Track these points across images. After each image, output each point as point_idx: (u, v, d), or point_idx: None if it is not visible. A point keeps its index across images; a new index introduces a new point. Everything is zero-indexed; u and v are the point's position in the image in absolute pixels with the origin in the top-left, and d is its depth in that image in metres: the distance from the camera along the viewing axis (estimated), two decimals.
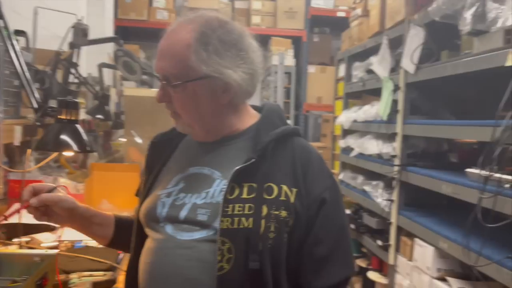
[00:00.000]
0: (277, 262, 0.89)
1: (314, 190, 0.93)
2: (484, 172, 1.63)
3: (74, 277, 1.29)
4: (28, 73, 1.33)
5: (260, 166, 0.92)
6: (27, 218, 1.44)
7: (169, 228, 0.93)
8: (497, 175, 1.59)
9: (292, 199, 0.91)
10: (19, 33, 2.10)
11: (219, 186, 0.93)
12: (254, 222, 0.87)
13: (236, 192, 0.91)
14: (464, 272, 2.01)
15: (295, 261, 0.92)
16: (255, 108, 1.05)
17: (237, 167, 0.91)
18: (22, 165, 1.96)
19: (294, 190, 0.92)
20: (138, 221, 1.01)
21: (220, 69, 0.91)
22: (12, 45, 1.35)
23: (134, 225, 1.03)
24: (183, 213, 0.93)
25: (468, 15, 1.79)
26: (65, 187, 1.07)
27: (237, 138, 0.99)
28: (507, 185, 1.56)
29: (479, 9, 1.74)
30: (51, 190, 0.99)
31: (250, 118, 1.01)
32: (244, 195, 0.90)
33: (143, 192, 1.03)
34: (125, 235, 1.09)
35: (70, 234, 1.57)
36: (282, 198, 0.90)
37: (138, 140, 3.25)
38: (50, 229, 1.64)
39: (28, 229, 1.54)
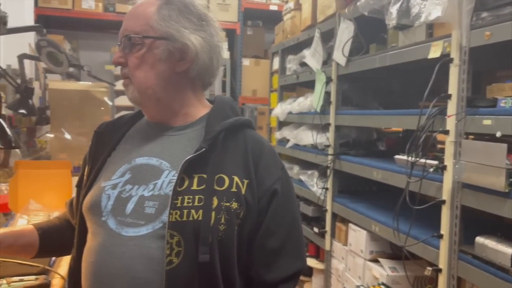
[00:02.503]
0: (227, 255, 0.87)
1: (266, 182, 0.93)
2: (410, 158, 1.75)
3: (2, 283, 1.19)
4: None
5: (210, 157, 0.90)
6: None
7: (112, 223, 0.89)
8: (422, 160, 1.71)
9: (243, 190, 0.90)
10: None
11: (167, 177, 0.90)
12: (204, 214, 0.85)
13: (186, 183, 0.88)
14: (394, 252, 2.14)
15: (247, 254, 0.91)
16: (209, 101, 1.04)
17: (187, 157, 0.89)
18: None
19: (246, 181, 0.91)
20: (80, 216, 0.95)
21: (178, 27, 0.93)
22: None
23: (76, 223, 0.97)
24: (129, 207, 0.89)
25: (394, 10, 1.89)
26: None
27: (188, 128, 0.97)
28: (431, 169, 1.68)
29: (404, 5, 1.84)
30: None
31: (203, 108, 1.00)
32: (194, 187, 0.88)
33: (86, 184, 0.97)
34: (51, 244, 1.05)
35: None
36: (233, 189, 0.89)
37: (67, 136, 3.07)
38: None
39: None
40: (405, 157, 1.80)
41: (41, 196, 1.67)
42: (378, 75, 2.50)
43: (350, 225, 2.36)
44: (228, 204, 0.88)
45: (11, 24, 2.27)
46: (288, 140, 3.25)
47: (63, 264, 1.31)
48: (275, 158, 0.99)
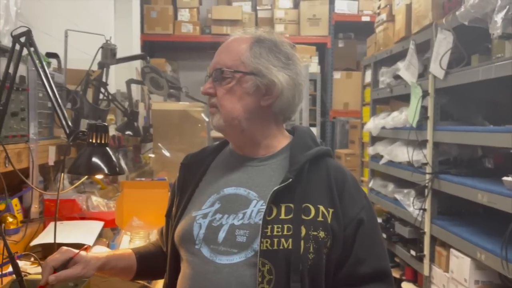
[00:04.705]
0: (316, 283, 0.89)
1: (351, 211, 0.95)
2: None
3: None
4: (58, 96, 1.36)
5: (296, 187, 0.93)
6: (61, 237, 1.48)
7: (205, 251, 0.94)
8: None
9: (329, 219, 0.92)
10: (52, 55, 2.17)
11: (256, 207, 0.94)
12: (294, 243, 0.88)
13: (274, 212, 0.92)
14: (504, 284, 1.93)
15: (333, 281, 0.93)
16: (287, 131, 1.08)
17: (276, 188, 0.92)
18: (56, 183, 2.01)
19: (331, 210, 0.93)
20: (172, 245, 1.01)
21: (267, 65, 0.97)
22: (43, 68, 1.39)
23: (168, 250, 1.03)
24: (221, 235, 0.94)
25: (499, 18, 1.73)
26: (86, 250, 1.04)
27: (272, 159, 1.01)
28: None
29: (510, 12, 1.68)
30: (67, 261, 0.97)
31: (284, 138, 1.04)
32: (282, 216, 0.91)
33: (176, 214, 1.03)
34: (147, 268, 1.12)
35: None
36: (320, 218, 0.91)
37: (166, 153, 3.30)
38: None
39: None
40: None
41: (143, 214, 1.81)
42: (482, 87, 2.30)
43: (452, 250, 2.18)
44: (315, 233, 0.90)
45: (121, 50, 2.54)
46: (381, 156, 3.12)
47: (160, 281, 1.40)
48: (358, 187, 1.00)
